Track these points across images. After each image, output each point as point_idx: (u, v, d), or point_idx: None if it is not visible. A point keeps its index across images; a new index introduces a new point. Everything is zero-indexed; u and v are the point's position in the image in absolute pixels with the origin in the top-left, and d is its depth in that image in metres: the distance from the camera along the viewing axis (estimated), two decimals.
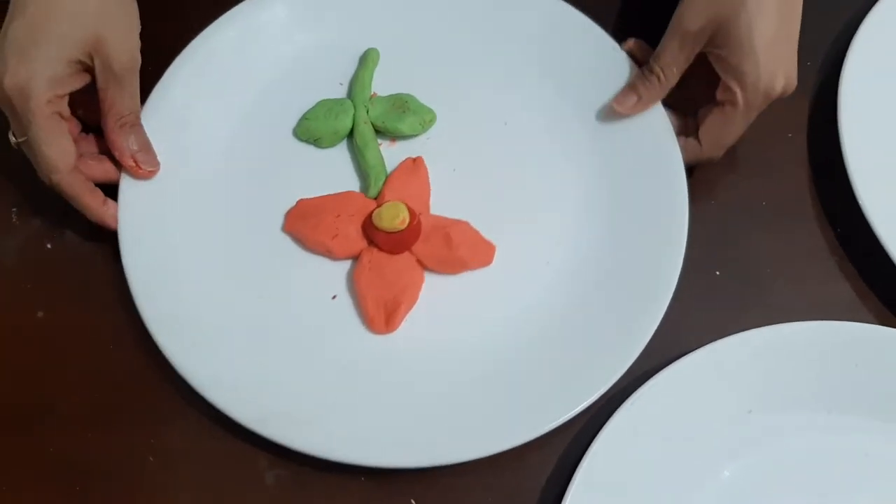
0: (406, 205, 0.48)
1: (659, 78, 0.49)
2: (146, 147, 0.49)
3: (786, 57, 0.48)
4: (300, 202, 0.50)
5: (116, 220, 0.48)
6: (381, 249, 0.49)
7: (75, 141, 0.48)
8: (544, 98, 0.54)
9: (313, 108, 0.53)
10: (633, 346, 0.46)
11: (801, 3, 0.48)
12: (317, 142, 0.52)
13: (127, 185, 0.49)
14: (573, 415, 0.45)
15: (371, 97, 0.53)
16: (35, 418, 0.47)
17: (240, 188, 0.51)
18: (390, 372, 0.47)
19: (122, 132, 0.48)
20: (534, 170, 0.52)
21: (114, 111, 0.48)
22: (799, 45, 0.49)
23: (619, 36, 0.53)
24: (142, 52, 0.48)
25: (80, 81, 0.46)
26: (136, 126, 0.49)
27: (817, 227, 0.52)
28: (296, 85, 0.54)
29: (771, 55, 0.46)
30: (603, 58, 0.53)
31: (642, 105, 0.50)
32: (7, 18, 0.45)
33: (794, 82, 0.48)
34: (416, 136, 0.53)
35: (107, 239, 0.49)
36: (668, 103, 0.51)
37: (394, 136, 0.53)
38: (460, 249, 0.48)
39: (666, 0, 0.50)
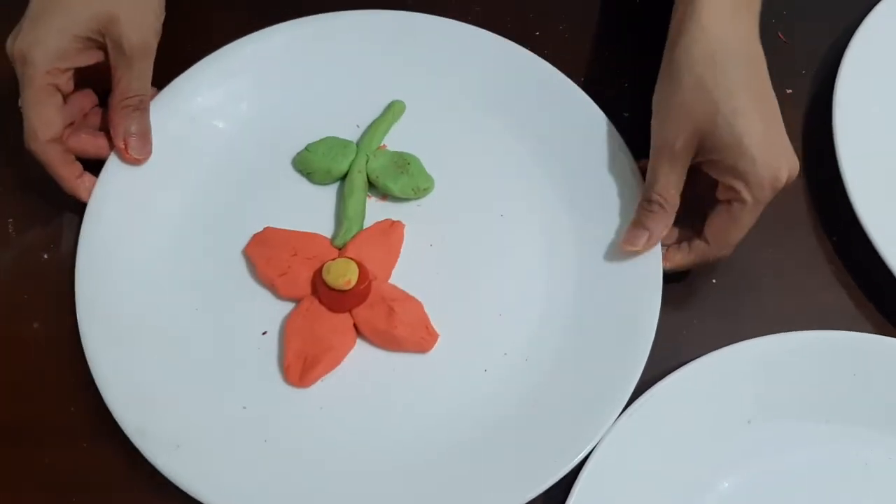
0: (361, 266, 0.47)
1: (661, 205, 0.47)
2: (143, 133, 0.49)
3: (780, 144, 0.46)
4: (266, 229, 0.49)
5: (89, 195, 0.49)
6: (321, 302, 0.47)
7: (85, 114, 0.49)
8: (546, 203, 0.51)
9: (318, 141, 0.52)
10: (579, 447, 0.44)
11: (770, 84, 0.47)
12: (309, 175, 0.51)
13: (114, 164, 0.50)
14: None
15: (379, 148, 0.52)
16: (30, 429, 0.47)
17: (221, 197, 0.51)
18: (289, 422, 0.46)
19: (123, 113, 0.49)
20: (511, 268, 0.50)
21: (119, 90, 0.48)
22: (794, 54, 0.53)
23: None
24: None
25: (89, 58, 0.47)
26: (140, 110, 0.49)
27: (814, 236, 0.52)
28: (316, 115, 0.53)
29: (765, 148, 0.45)
30: (621, 180, 0.50)
31: (654, 239, 0.47)
32: None
33: (797, 167, 0.46)
34: (407, 199, 0.51)
35: None
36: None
37: (385, 193, 0.51)
38: (399, 328, 0.46)
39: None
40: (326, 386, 0.47)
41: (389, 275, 0.49)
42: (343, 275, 0.46)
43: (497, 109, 0.53)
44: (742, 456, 0.46)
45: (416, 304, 0.48)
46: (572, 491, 0.43)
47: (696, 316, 0.49)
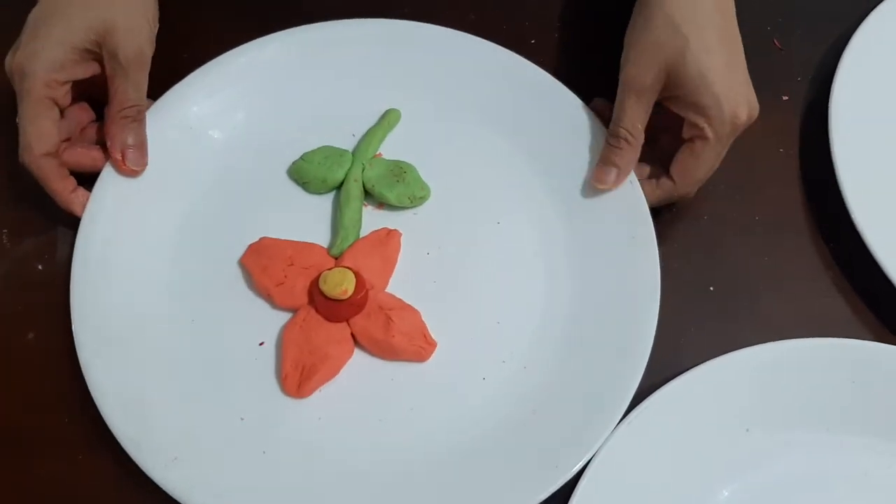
0: (358, 276, 0.46)
1: (627, 140, 0.48)
2: (140, 145, 0.49)
3: (742, 84, 0.47)
4: (262, 239, 0.49)
5: (83, 209, 0.48)
6: (318, 312, 0.47)
7: (83, 129, 0.49)
8: (543, 211, 0.51)
9: (314, 150, 0.52)
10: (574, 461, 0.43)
11: (739, 33, 0.48)
12: (304, 185, 0.51)
13: (109, 174, 0.50)
14: None
15: (375, 157, 0.52)
16: (25, 441, 0.47)
17: (216, 207, 0.51)
18: (288, 433, 0.45)
19: (120, 124, 0.48)
20: (509, 276, 0.49)
21: (116, 101, 0.48)
22: (790, 61, 0.54)
23: None
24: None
25: (86, 70, 0.47)
26: (137, 121, 0.49)
27: (811, 242, 0.52)
28: (311, 124, 0.53)
29: (727, 86, 0.46)
30: (619, 193, 0.50)
31: (623, 175, 0.49)
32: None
33: (756, 108, 0.48)
34: (403, 208, 0.51)
35: None
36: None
37: (381, 202, 0.51)
38: (396, 337, 0.46)
39: None
40: (324, 396, 0.46)
41: (387, 284, 0.49)
42: (340, 284, 0.46)
43: (492, 117, 0.53)
44: (741, 464, 0.45)
45: (413, 313, 0.47)
46: (571, 500, 0.43)
47: (694, 324, 0.49)
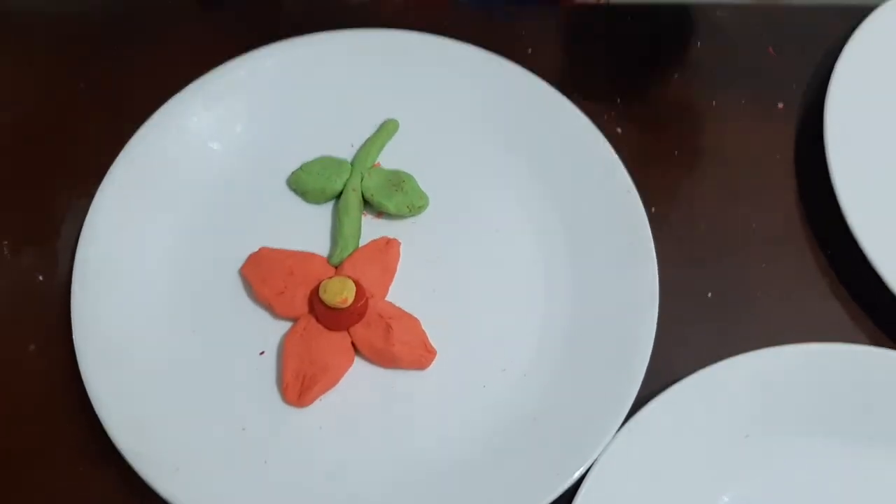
0: (357, 284, 0.47)
1: None
2: None
3: None
4: (262, 249, 0.49)
5: None
6: (318, 321, 0.47)
7: None
8: (541, 219, 0.51)
9: (312, 161, 0.52)
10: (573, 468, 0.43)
11: None
12: (303, 195, 0.51)
13: (109, 186, 0.50)
14: None
15: (374, 167, 0.52)
16: (26, 453, 0.46)
17: (216, 218, 0.51)
18: (289, 443, 0.45)
19: None
20: (508, 284, 0.50)
21: None
22: (784, 67, 0.55)
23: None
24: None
25: None
26: None
27: (808, 248, 0.52)
28: (310, 134, 0.53)
29: None
30: (616, 196, 0.50)
31: None
32: None
33: None
34: (402, 217, 0.51)
35: None
36: None
37: (380, 211, 0.51)
38: (396, 345, 0.46)
39: None
40: (325, 405, 0.46)
41: (386, 292, 0.49)
42: (340, 293, 0.46)
43: (491, 126, 0.53)
44: (741, 470, 0.45)
45: (413, 322, 0.48)
46: None
47: (692, 331, 0.49)
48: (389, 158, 0.53)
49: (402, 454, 0.45)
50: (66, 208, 0.52)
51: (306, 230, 0.51)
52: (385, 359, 0.47)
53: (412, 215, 0.51)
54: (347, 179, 0.51)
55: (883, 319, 0.50)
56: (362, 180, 0.51)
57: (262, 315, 0.49)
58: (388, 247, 0.50)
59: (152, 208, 0.50)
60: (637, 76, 0.57)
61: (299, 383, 0.46)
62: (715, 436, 0.45)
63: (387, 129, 0.53)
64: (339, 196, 0.51)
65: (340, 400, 0.47)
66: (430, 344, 0.47)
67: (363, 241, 0.50)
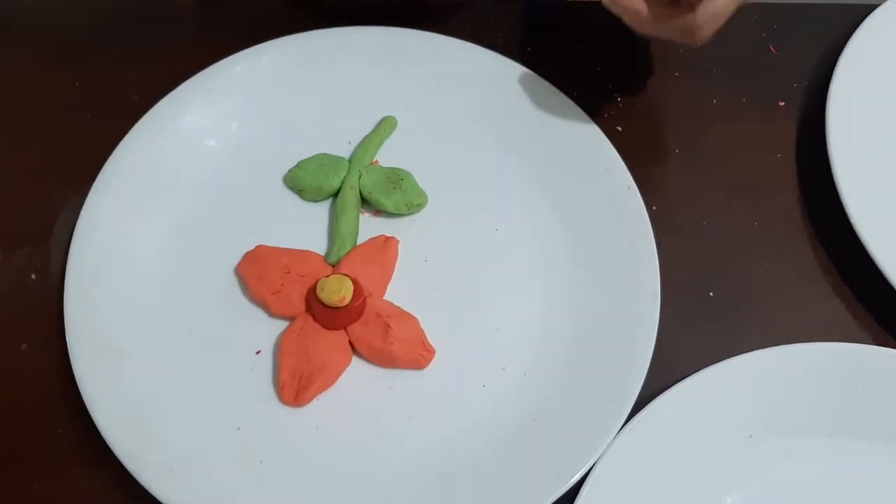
0: (355, 283, 0.46)
1: None
2: None
3: None
4: (258, 247, 0.49)
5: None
6: (315, 320, 0.46)
7: None
8: (541, 218, 0.51)
9: (309, 158, 0.51)
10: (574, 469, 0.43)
11: None
12: (300, 192, 0.51)
13: (102, 184, 0.49)
14: None
15: (371, 164, 0.52)
16: (18, 455, 0.46)
17: (212, 216, 0.50)
18: (285, 443, 0.45)
19: None
20: (507, 282, 0.49)
21: None
22: (785, 65, 0.55)
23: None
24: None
25: None
26: None
27: (809, 247, 0.52)
28: (306, 132, 0.53)
29: None
30: (615, 193, 0.50)
31: None
32: None
33: None
34: (400, 215, 0.51)
35: None
36: None
37: (378, 209, 0.51)
38: (395, 344, 0.46)
39: None
40: (322, 405, 0.46)
41: (384, 291, 0.48)
42: (337, 291, 0.45)
43: (489, 124, 0.53)
44: (744, 470, 0.45)
45: (412, 321, 0.47)
46: None
47: (694, 330, 0.49)
48: (387, 156, 0.52)
49: (401, 454, 0.45)
50: (60, 207, 0.51)
51: (303, 228, 0.50)
52: (383, 358, 0.46)
53: (410, 213, 0.51)
54: (345, 177, 0.50)
55: (886, 318, 0.50)
56: (360, 178, 0.51)
57: (258, 314, 0.48)
58: (386, 245, 0.49)
59: (147, 206, 0.50)
60: (637, 74, 0.56)
61: (296, 382, 0.45)
62: (718, 435, 0.45)
63: (385, 127, 0.53)
64: (336, 194, 0.51)
65: (338, 400, 0.46)
66: (428, 343, 0.47)
67: (361, 240, 0.50)
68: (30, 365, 0.47)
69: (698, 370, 0.45)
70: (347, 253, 0.48)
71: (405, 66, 0.54)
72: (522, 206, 0.51)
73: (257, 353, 0.47)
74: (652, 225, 0.49)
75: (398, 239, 0.50)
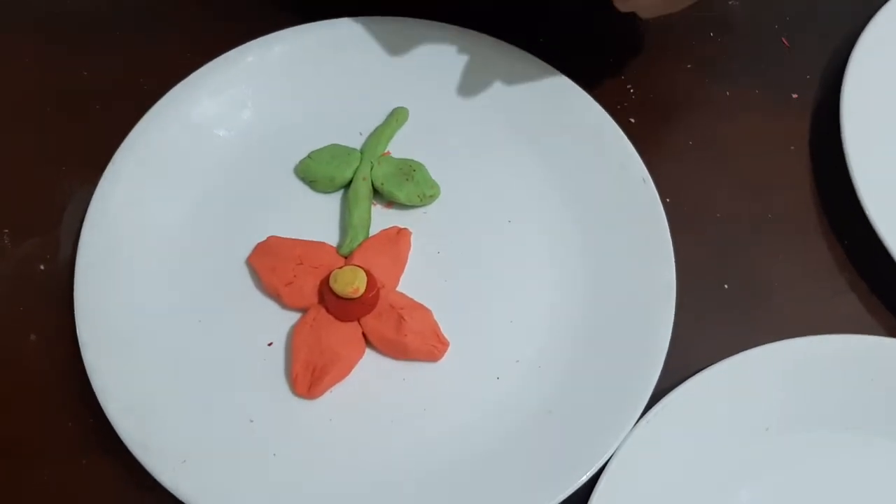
0: (369, 274, 0.46)
1: None
2: None
3: None
4: (270, 238, 0.48)
5: None
6: (328, 311, 0.46)
7: None
8: (554, 209, 0.50)
9: (321, 149, 0.51)
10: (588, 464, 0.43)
11: None
12: (312, 184, 0.50)
13: (113, 173, 0.49)
14: None
15: (383, 155, 0.51)
16: (27, 445, 0.45)
17: (223, 206, 0.50)
18: (298, 435, 0.44)
19: None
20: (521, 274, 0.49)
21: None
22: (797, 57, 0.55)
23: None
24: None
25: None
26: None
27: (823, 239, 0.51)
28: (318, 123, 0.52)
29: None
30: (629, 185, 0.49)
31: None
32: None
33: None
34: (413, 206, 0.50)
35: None
36: None
37: (390, 201, 0.50)
38: (408, 336, 0.45)
39: None
40: (335, 397, 0.45)
41: (397, 283, 0.48)
42: (351, 283, 0.45)
43: (502, 115, 0.52)
44: (760, 463, 0.45)
45: (425, 312, 0.47)
46: (590, 501, 0.42)
47: (709, 323, 0.49)
48: (399, 148, 0.52)
49: (415, 447, 0.44)
50: (68, 198, 0.51)
51: (314, 220, 0.50)
52: (397, 350, 0.46)
53: (423, 205, 0.50)
54: (357, 168, 0.50)
55: None
56: (372, 169, 0.50)
57: (270, 305, 0.48)
58: (398, 236, 0.49)
59: (157, 197, 0.49)
60: (650, 67, 0.56)
61: (309, 374, 0.45)
62: (734, 429, 0.45)
63: (396, 118, 0.52)
64: (348, 185, 0.50)
65: (351, 392, 0.46)
66: (442, 335, 0.46)
67: (373, 231, 0.49)
68: (38, 355, 0.47)
69: (714, 363, 0.45)
70: (360, 244, 0.48)
71: (417, 57, 0.53)
72: (535, 198, 0.51)
73: (269, 344, 0.47)
74: (666, 217, 0.48)
75: (411, 230, 0.49)
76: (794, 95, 0.55)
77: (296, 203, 0.50)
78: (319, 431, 0.45)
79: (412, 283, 0.48)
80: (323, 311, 0.46)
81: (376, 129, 0.52)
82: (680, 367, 0.46)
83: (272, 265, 0.47)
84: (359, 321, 0.46)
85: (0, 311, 0.48)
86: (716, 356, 0.45)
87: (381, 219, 0.50)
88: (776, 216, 0.52)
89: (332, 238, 0.49)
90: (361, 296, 0.45)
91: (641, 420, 0.43)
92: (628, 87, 0.55)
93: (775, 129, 0.54)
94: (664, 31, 0.54)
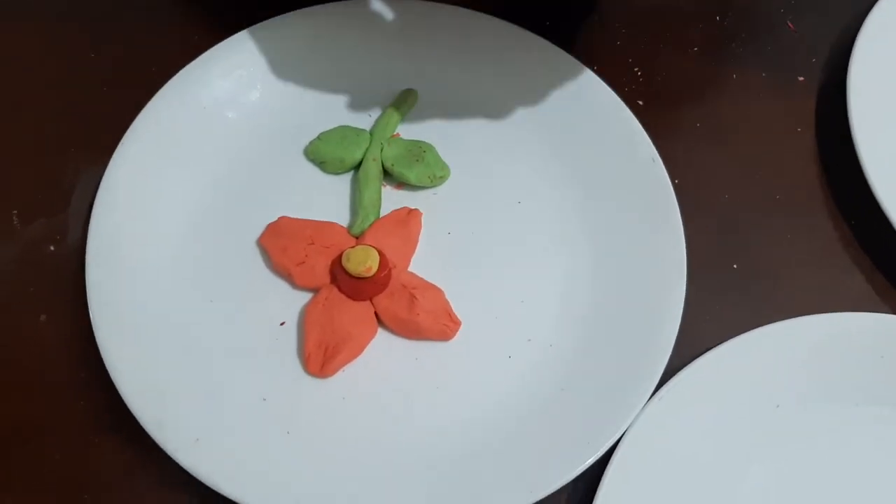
0: (381, 254, 0.46)
1: None
2: None
3: None
4: (281, 219, 0.48)
5: None
6: (341, 291, 0.46)
7: None
8: (564, 190, 0.51)
9: (330, 130, 0.51)
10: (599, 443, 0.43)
11: None
12: (322, 165, 0.50)
13: (122, 155, 0.49)
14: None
15: (393, 136, 0.51)
16: (38, 426, 0.45)
17: (233, 187, 0.50)
18: (312, 414, 0.44)
19: None
20: (531, 254, 0.49)
21: None
22: (803, 40, 0.56)
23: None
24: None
25: None
26: None
27: (830, 219, 0.52)
28: (327, 104, 0.52)
29: None
30: (638, 165, 0.50)
31: None
32: None
33: None
34: (423, 187, 0.50)
35: None
36: None
37: (400, 182, 0.50)
38: (421, 315, 0.45)
39: None
40: (348, 376, 0.45)
41: (408, 263, 0.48)
42: (364, 262, 0.45)
43: (511, 97, 0.52)
44: (771, 440, 0.45)
45: (437, 292, 0.47)
46: (603, 477, 0.42)
47: (719, 301, 0.49)
48: (409, 129, 0.52)
49: (428, 425, 0.44)
50: (77, 179, 0.51)
51: (324, 200, 0.50)
52: (409, 329, 0.46)
53: (433, 186, 0.50)
54: (367, 149, 0.50)
55: None
56: (382, 150, 0.50)
57: (281, 285, 0.48)
58: (409, 217, 0.49)
59: (167, 178, 0.49)
60: (657, 50, 0.56)
61: (322, 353, 0.45)
62: (745, 406, 0.45)
63: (406, 99, 0.52)
64: (357, 166, 0.50)
65: (364, 371, 0.46)
66: (454, 314, 0.46)
67: (383, 213, 0.49)
68: (49, 336, 0.47)
69: (724, 341, 0.45)
70: (371, 225, 0.48)
71: (427, 39, 0.53)
72: (545, 179, 0.51)
73: (281, 324, 0.47)
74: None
75: (421, 211, 0.49)
76: (801, 78, 0.56)
77: (306, 184, 0.50)
78: (332, 410, 0.45)
79: (423, 264, 0.48)
80: (335, 290, 0.46)
81: (386, 111, 0.52)
82: (691, 346, 0.46)
83: (283, 245, 0.47)
84: (371, 301, 0.46)
85: (10, 291, 0.48)
86: (726, 335, 0.46)
87: (391, 200, 0.50)
88: (783, 197, 0.52)
89: (342, 219, 0.49)
90: (374, 275, 0.45)
91: (653, 398, 0.44)
92: (636, 69, 0.55)
93: (782, 111, 0.55)
94: (671, 15, 0.55)
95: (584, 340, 0.46)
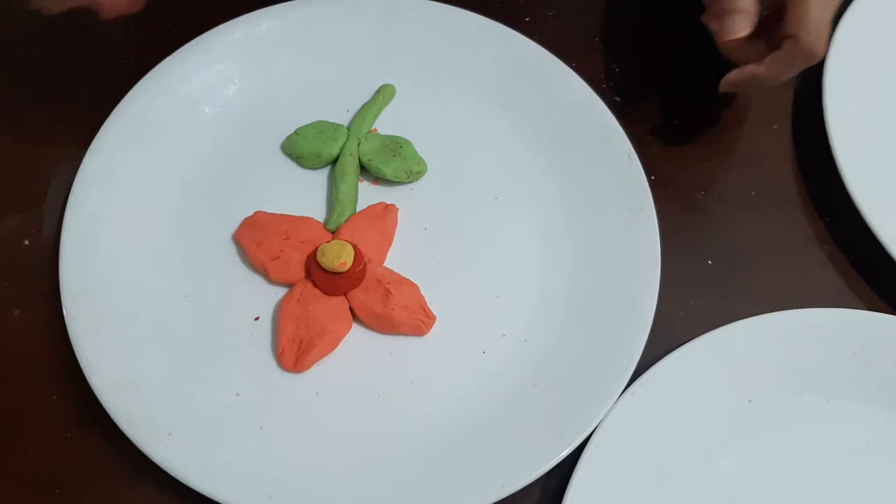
0: (356, 249, 0.46)
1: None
2: None
3: None
4: (257, 213, 0.48)
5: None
6: (315, 286, 0.46)
7: None
8: (541, 186, 0.51)
9: (307, 125, 0.51)
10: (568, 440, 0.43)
11: None
12: (298, 160, 0.50)
13: (99, 148, 0.49)
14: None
15: (370, 132, 0.51)
16: (11, 420, 0.45)
17: (209, 182, 0.50)
18: (285, 409, 0.45)
19: None
20: (507, 250, 0.49)
21: None
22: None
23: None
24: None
25: None
26: None
27: (805, 215, 0.52)
28: (304, 99, 0.52)
29: None
30: (614, 161, 0.50)
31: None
32: None
33: None
34: (400, 183, 0.50)
35: None
36: None
37: (377, 177, 0.50)
38: (395, 310, 0.45)
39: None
40: (322, 371, 0.45)
41: (384, 258, 0.48)
42: (338, 256, 0.45)
43: (488, 92, 0.53)
44: (743, 434, 0.45)
45: (412, 287, 0.47)
46: (574, 471, 0.42)
47: (692, 297, 0.49)
48: (386, 125, 0.52)
49: (402, 420, 0.44)
50: (52, 173, 0.50)
51: (301, 195, 0.50)
52: (384, 324, 0.46)
53: (410, 181, 0.50)
54: (344, 144, 0.50)
55: (882, 286, 0.50)
56: (359, 145, 0.50)
57: (257, 280, 0.48)
58: (385, 212, 0.49)
59: (142, 172, 0.49)
60: (634, 46, 0.56)
61: (295, 348, 0.45)
62: (718, 400, 0.45)
63: (383, 95, 0.52)
64: (334, 161, 0.50)
65: (338, 366, 0.46)
66: (429, 309, 0.47)
67: (359, 208, 0.49)
68: (23, 331, 0.47)
69: (698, 336, 0.46)
70: (347, 220, 0.48)
71: (404, 34, 0.53)
72: (522, 174, 0.51)
73: (256, 319, 0.47)
74: (651, 193, 0.49)
75: (398, 206, 0.49)
76: None
77: (282, 179, 0.50)
78: (306, 405, 0.45)
79: (399, 259, 0.48)
80: (310, 285, 0.46)
81: (363, 106, 0.52)
82: (664, 340, 0.46)
83: (259, 240, 0.47)
84: (346, 296, 0.46)
85: None
86: (699, 329, 0.46)
87: (368, 196, 0.50)
88: (759, 193, 0.52)
89: (319, 214, 0.49)
90: (348, 270, 0.45)
91: (626, 392, 0.44)
92: (613, 65, 0.55)
93: (759, 106, 0.55)
94: (649, 12, 0.55)
95: (557, 335, 0.46)
